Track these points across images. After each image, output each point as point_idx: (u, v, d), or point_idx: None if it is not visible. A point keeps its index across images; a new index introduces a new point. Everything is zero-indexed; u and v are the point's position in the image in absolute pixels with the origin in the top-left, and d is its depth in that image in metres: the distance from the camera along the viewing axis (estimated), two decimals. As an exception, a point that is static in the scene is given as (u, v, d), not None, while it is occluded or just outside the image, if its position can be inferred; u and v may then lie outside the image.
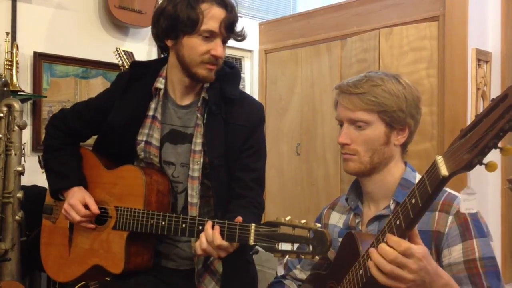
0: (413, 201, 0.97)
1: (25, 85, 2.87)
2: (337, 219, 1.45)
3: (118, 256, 1.49)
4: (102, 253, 1.53)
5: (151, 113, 1.55)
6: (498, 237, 2.97)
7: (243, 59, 4.05)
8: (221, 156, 1.50)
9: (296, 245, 1.22)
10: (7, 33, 2.76)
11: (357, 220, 1.37)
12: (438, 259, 1.19)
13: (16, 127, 2.41)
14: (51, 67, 3.01)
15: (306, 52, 3.58)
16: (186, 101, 1.55)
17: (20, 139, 2.42)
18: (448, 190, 1.25)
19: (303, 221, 1.21)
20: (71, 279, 1.62)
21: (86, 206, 1.52)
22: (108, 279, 1.63)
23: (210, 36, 1.42)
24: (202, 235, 1.32)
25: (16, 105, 2.42)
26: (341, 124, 1.33)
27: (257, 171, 1.55)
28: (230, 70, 1.58)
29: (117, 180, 1.56)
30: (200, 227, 1.35)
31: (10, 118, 2.41)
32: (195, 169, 1.49)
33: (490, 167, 0.83)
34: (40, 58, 2.95)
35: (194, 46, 1.43)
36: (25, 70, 2.90)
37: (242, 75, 3.97)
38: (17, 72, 2.74)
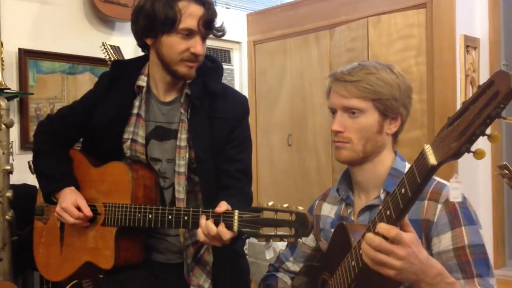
0: (403, 191, 0.97)
1: (11, 82, 2.83)
2: (328, 210, 1.45)
3: (108, 252, 1.49)
4: (93, 250, 1.54)
5: (135, 111, 1.55)
6: (489, 223, 2.99)
7: (232, 50, 4.03)
8: (207, 150, 1.50)
9: (279, 229, 1.23)
10: (-9, 30, 2.72)
11: (348, 210, 1.37)
12: (428, 248, 1.19)
13: (3, 126, 2.38)
14: (37, 64, 2.97)
15: (294, 43, 3.56)
16: (169, 98, 1.55)
17: (7, 138, 2.40)
18: (437, 178, 1.25)
19: (285, 205, 1.23)
20: (64, 278, 1.63)
21: (78, 208, 1.52)
22: (101, 276, 1.62)
23: (189, 34, 1.42)
24: (199, 229, 1.32)
25: (2, 103, 2.39)
26: (333, 112, 1.32)
27: (242, 162, 1.56)
28: (212, 65, 1.58)
29: (104, 177, 1.56)
30: (186, 217, 1.36)
31: (-4, 117, 2.38)
32: (181, 164, 1.50)
33: (478, 154, 0.82)
34: (25, 55, 2.90)
35: (173, 45, 1.43)
36: (10, 67, 2.86)
37: (231, 67, 3.97)
38: (2, 69, 2.69)
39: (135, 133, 1.55)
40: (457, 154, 0.83)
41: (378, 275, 1.02)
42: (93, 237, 1.54)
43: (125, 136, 1.56)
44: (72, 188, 1.57)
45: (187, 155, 1.50)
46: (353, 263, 1.11)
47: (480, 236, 1.17)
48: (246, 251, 3.54)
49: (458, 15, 2.79)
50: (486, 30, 3.04)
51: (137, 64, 1.58)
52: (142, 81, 1.54)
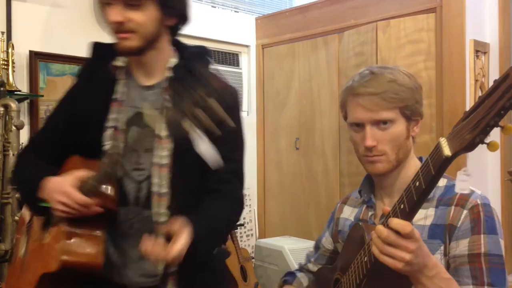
0: (417, 183, 0.97)
1: (22, 84, 2.85)
2: (349, 213, 1.44)
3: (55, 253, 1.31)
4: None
5: (117, 96, 1.42)
6: (498, 228, 2.97)
7: (240, 54, 4.04)
8: (189, 139, 1.27)
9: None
10: (2, 33, 2.74)
11: (369, 213, 1.35)
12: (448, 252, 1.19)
13: (14, 127, 2.40)
14: (47, 66, 2.99)
15: (303, 46, 3.57)
16: (151, 81, 1.42)
17: (17, 139, 2.41)
18: None
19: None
20: None
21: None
22: None
23: (105, 3, 1.34)
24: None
25: (13, 105, 2.41)
26: (357, 125, 1.28)
27: (233, 162, 1.42)
28: (196, 49, 1.48)
29: None
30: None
31: (7, 118, 2.40)
32: (164, 155, 1.35)
33: (492, 146, 0.83)
34: (36, 57, 2.92)
35: (105, 19, 1.36)
36: (21, 69, 2.88)
37: (239, 70, 3.97)
38: (13, 71, 2.72)
39: (117, 119, 1.40)
40: (471, 146, 0.84)
41: (390, 270, 1.02)
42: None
43: (108, 124, 1.39)
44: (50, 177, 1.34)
45: (170, 145, 1.34)
46: (365, 259, 1.11)
47: (499, 246, 1.15)
48: (252, 255, 3.53)
49: (468, 20, 2.78)
50: (496, 35, 3.02)
51: None
52: (120, 62, 1.43)
